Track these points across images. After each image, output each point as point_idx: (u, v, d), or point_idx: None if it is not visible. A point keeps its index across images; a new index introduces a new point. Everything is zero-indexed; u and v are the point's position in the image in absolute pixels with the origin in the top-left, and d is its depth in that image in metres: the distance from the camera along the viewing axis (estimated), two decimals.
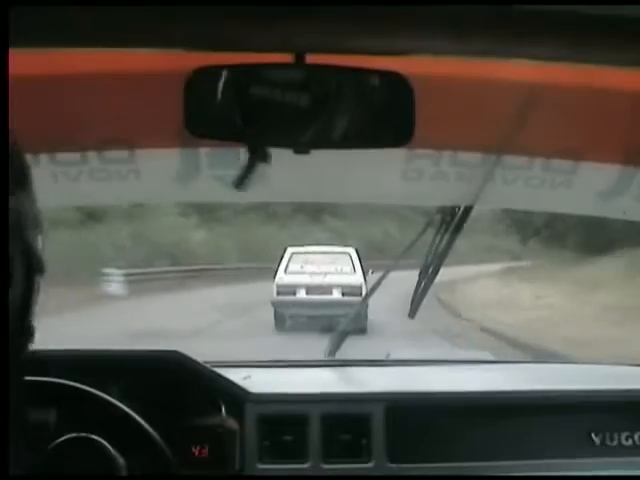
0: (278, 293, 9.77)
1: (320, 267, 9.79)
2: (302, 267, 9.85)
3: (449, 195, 2.02)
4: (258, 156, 1.41)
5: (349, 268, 9.54)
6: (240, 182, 1.49)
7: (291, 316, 9.51)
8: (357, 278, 9.11)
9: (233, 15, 1.09)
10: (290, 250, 9.99)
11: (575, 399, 2.10)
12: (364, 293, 7.97)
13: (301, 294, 9.68)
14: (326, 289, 9.44)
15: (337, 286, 9.34)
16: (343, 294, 9.14)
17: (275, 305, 9.70)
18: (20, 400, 0.84)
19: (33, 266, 0.81)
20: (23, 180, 0.82)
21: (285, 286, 9.74)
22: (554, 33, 1.12)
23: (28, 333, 0.84)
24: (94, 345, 2.25)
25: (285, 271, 9.85)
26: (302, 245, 10.22)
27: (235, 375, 2.09)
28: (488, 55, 1.22)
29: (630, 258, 16.59)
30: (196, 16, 1.09)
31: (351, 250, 9.87)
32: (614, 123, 1.78)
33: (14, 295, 0.78)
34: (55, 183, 1.83)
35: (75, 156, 1.82)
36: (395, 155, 1.83)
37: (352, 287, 8.84)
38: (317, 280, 9.64)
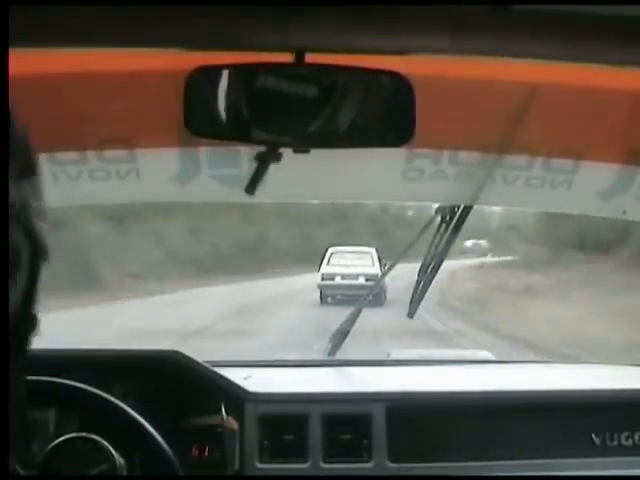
0: (322, 279, 13.89)
1: (350, 261, 13.87)
2: (338, 261, 14.02)
3: (449, 195, 2.02)
4: (268, 159, 1.41)
5: (370, 262, 13.32)
6: (252, 188, 1.49)
7: (331, 295, 13.77)
8: (375, 269, 12.77)
9: (233, 14, 1.09)
10: (330, 250, 14.27)
11: (575, 399, 2.10)
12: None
13: (338, 280, 13.72)
14: (354, 276, 13.20)
15: (362, 274, 13.05)
16: (366, 280, 12.80)
17: (320, 287, 13.94)
18: (20, 400, 0.83)
19: (37, 253, 0.81)
20: (29, 170, 0.82)
21: (327, 274, 13.91)
22: (554, 33, 1.12)
23: (32, 323, 0.83)
24: None
25: (327, 264, 13.98)
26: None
27: (235, 375, 2.09)
28: (488, 55, 1.22)
29: None
30: (196, 16, 1.09)
31: (372, 250, 13.79)
32: (614, 123, 1.78)
33: (19, 282, 0.78)
34: (55, 183, 1.83)
35: (75, 155, 1.82)
36: (395, 155, 1.83)
37: (372, 275, 12.48)
38: (348, 270, 13.53)
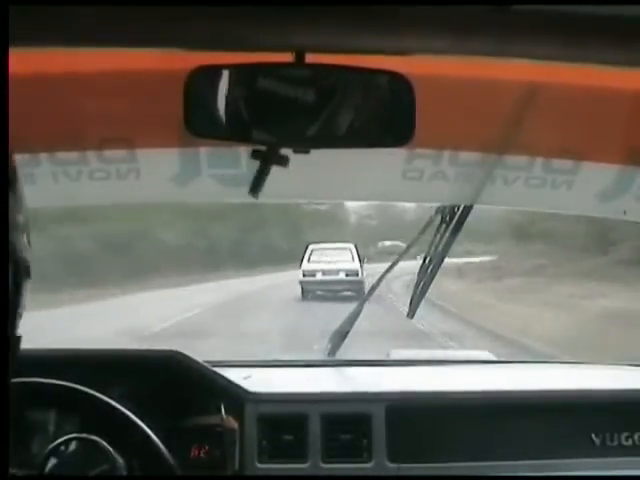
0: (304, 275, 14.23)
1: (331, 257, 14.29)
2: (319, 258, 14.34)
3: (449, 195, 2.02)
4: (270, 160, 1.41)
5: (350, 257, 13.98)
6: (255, 189, 1.49)
7: (312, 290, 14.03)
8: (355, 264, 13.59)
9: (233, 15, 1.09)
10: (311, 247, 14.58)
11: (575, 399, 2.10)
12: (360, 274, 13.04)
13: (319, 276, 14.17)
14: (335, 272, 13.83)
15: (342, 270, 13.76)
16: (346, 275, 13.52)
17: (302, 283, 14.19)
18: (19, 401, 0.82)
19: (20, 270, 0.80)
20: (10, 180, 0.81)
21: (308, 270, 14.26)
22: (553, 33, 1.12)
23: (15, 339, 0.82)
24: None
25: (308, 261, 14.30)
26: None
27: (235, 375, 2.09)
28: (488, 55, 1.22)
29: None
30: (196, 16, 1.09)
31: (351, 246, 14.41)
32: (614, 123, 1.78)
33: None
34: (55, 183, 1.83)
35: (75, 156, 1.82)
36: (395, 155, 1.83)
37: (352, 270, 13.39)
38: (329, 266, 14.03)
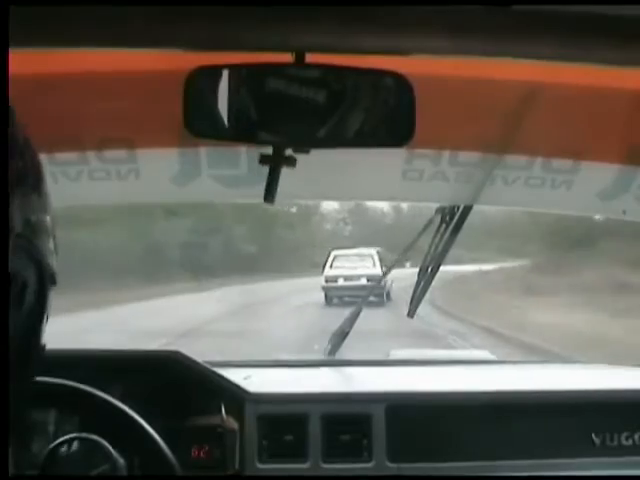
0: (326, 281, 14.93)
1: (353, 263, 14.86)
2: (341, 264, 14.97)
3: (449, 195, 2.02)
4: (280, 163, 1.40)
5: (371, 264, 14.34)
6: (269, 194, 1.48)
7: (334, 296, 14.58)
8: (377, 270, 13.54)
9: (233, 15, 1.09)
10: (334, 252, 15.20)
11: (575, 399, 2.10)
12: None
13: (341, 281, 14.69)
14: (356, 278, 13.99)
15: (364, 276, 13.82)
16: (368, 280, 13.46)
17: (325, 289, 14.87)
18: (21, 400, 0.82)
19: (45, 277, 0.77)
20: (36, 185, 0.77)
21: (331, 276, 14.90)
22: (554, 33, 1.12)
23: (39, 351, 0.80)
24: None
25: (331, 267, 14.87)
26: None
27: (235, 375, 2.09)
28: (488, 55, 1.22)
29: None
30: (196, 16, 1.09)
31: (373, 251, 14.92)
32: (614, 123, 1.78)
33: (26, 310, 0.74)
34: (55, 183, 1.83)
35: (75, 156, 1.82)
36: (395, 155, 1.83)
37: (373, 276, 13.20)
38: (351, 272, 14.43)
